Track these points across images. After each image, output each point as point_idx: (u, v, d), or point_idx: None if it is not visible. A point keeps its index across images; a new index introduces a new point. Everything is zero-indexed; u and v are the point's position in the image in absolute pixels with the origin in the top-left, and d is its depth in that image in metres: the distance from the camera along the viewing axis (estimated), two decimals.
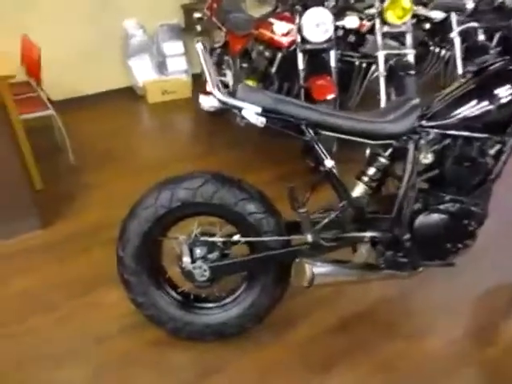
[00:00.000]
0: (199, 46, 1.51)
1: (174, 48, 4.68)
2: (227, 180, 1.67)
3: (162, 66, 4.81)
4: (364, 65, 3.35)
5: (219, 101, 1.49)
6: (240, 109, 1.49)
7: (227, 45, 3.71)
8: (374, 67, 3.29)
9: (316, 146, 1.56)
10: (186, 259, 1.64)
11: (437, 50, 3.81)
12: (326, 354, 1.82)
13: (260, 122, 1.49)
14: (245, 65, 3.44)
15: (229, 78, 3.71)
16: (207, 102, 1.50)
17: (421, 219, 1.64)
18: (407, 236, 1.64)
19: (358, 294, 2.02)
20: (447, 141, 1.65)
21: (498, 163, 1.69)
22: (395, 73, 3.18)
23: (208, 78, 1.48)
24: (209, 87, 1.49)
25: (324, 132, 1.56)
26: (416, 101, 1.64)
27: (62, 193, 2.97)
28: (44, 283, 2.21)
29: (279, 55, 3.06)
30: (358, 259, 1.69)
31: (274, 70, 3.10)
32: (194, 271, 1.63)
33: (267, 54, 3.13)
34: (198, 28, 4.62)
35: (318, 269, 1.57)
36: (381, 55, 3.07)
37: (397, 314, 1.98)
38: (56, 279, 2.24)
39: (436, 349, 1.84)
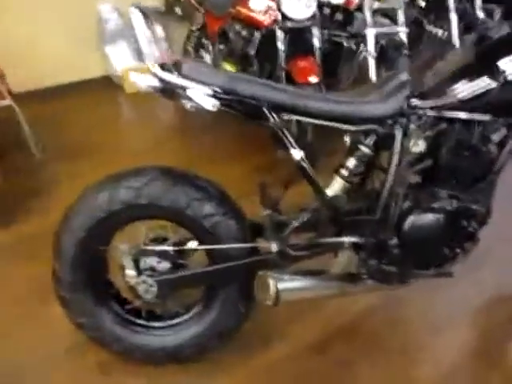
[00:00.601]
0: (133, 11, 1.23)
1: None
2: (179, 176, 1.39)
3: (140, 53, 4.49)
4: (353, 45, 3.07)
5: (160, 80, 1.21)
6: (186, 89, 1.21)
7: (205, 27, 3.42)
8: (363, 47, 3.02)
9: (281, 134, 1.27)
10: (130, 272, 1.37)
11: (432, 29, 3.53)
12: (301, 377, 1.55)
13: (212, 105, 1.21)
14: (222, 47, 3.14)
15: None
16: (143, 81, 1.21)
17: (411, 220, 1.36)
18: (394, 241, 1.36)
19: (340, 305, 1.74)
20: (442, 125, 1.37)
21: (503, 152, 1.41)
22: (387, 53, 2.91)
23: (144, 50, 1.20)
24: (147, 62, 1.21)
25: (292, 116, 1.28)
26: (404, 76, 1.36)
27: (26, 189, 2.67)
28: None
29: (257, 35, 2.76)
30: (336, 269, 1.42)
31: (252, 51, 2.81)
32: (137, 287, 1.36)
33: (244, 33, 2.84)
34: (178, 11, 4.31)
35: (284, 284, 1.30)
36: (370, 33, 2.80)
37: (383, 329, 1.70)
38: (11, 286, 1.95)
39: (429, 374, 1.57)
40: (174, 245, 1.43)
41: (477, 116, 1.33)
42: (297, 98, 1.26)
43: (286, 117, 1.27)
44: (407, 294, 1.74)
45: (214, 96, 1.21)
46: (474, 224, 1.40)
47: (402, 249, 1.36)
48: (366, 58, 2.89)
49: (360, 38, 2.97)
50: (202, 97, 1.21)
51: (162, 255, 1.41)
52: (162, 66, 1.23)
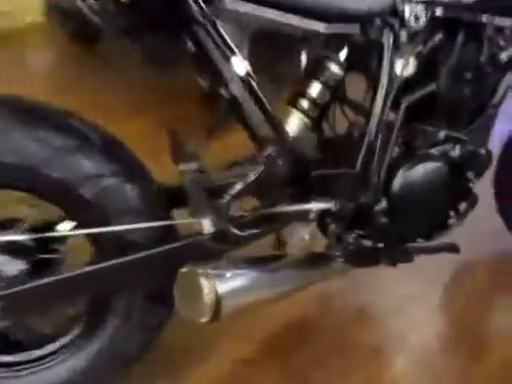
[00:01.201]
0: None
1: None
2: (31, 112, 0.80)
3: None
4: None
5: None
6: None
7: None
8: None
9: (214, 33, 0.74)
10: None
11: None
12: None
13: None
14: None
15: None
16: None
17: (404, 174, 0.93)
18: (383, 204, 0.92)
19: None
20: (439, 34, 0.95)
21: (506, 77, 1.04)
22: None
23: None
24: None
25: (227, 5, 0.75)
26: None
27: None
28: None
29: None
30: (297, 249, 0.94)
31: None
32: None
33: None
34: None
35: (226, 284, 0.78)
36: None
37: (344, 321, 1.30)
38: None
39: (406, 369, 1.21)
40: (33, 230, 0.85)
41: (489, 19, 0.93)
42: None
43: (220, 5, 0.74)
44: (366, 274, 1.34)
45: None
46: (474, 175, 1.02)
47: (392, 215, 0.93)
48: None
49: None
50: None
51: (11, 250, 0.82)
52: None
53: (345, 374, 1.18)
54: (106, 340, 0.91)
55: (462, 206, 1.05)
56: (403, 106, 0.90)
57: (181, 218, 0.91)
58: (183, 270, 0.78)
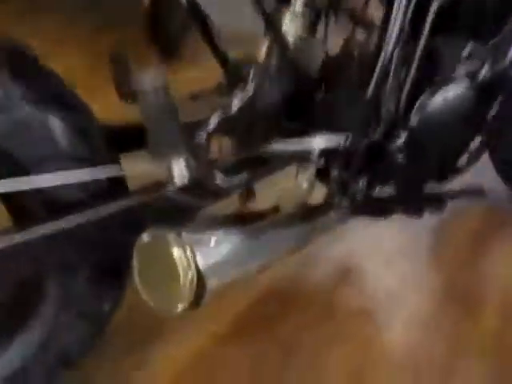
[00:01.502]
0: None
1: None
2: None
3: None
4: None
5: None
6: None
7: None
8: None
9: None
10: None
11: None
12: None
13: None
14: None
15: None
16: None
17: (427, 102, 0.72)
18: (400, 140, 0.71)
19: None
20: None
21: None
22: None
23: None
24: None
25: None
26: None
27: None
28: None
29: None
30: (291, 201, 0.72)
31: None
32: None
33: None
34: None
35: (209, 254, 0.54)
36: None
37: (331, 285, 1.12)
38: None
39: (397, 333, 1.06)
40: None
41: None
42: None
43: None
44: (348, 229, 1.16)
45: None
46: (498, 102, 0.84)
47: (411, 152, 0.72)
48: None
49: None
50: None
51: None
52: None
53: (333, 341, 1.01)
54: (37, 336, 0.66)
55: (477, 142, 0.87)
56: (433, 10, 0.67)
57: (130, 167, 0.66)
58: (145, 237, 0.54)
